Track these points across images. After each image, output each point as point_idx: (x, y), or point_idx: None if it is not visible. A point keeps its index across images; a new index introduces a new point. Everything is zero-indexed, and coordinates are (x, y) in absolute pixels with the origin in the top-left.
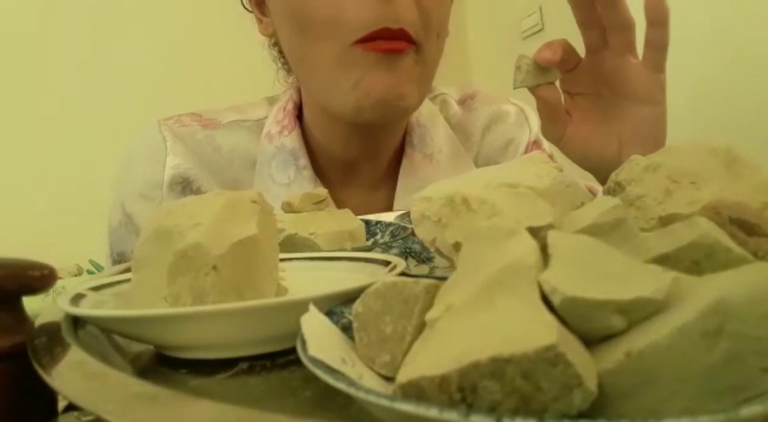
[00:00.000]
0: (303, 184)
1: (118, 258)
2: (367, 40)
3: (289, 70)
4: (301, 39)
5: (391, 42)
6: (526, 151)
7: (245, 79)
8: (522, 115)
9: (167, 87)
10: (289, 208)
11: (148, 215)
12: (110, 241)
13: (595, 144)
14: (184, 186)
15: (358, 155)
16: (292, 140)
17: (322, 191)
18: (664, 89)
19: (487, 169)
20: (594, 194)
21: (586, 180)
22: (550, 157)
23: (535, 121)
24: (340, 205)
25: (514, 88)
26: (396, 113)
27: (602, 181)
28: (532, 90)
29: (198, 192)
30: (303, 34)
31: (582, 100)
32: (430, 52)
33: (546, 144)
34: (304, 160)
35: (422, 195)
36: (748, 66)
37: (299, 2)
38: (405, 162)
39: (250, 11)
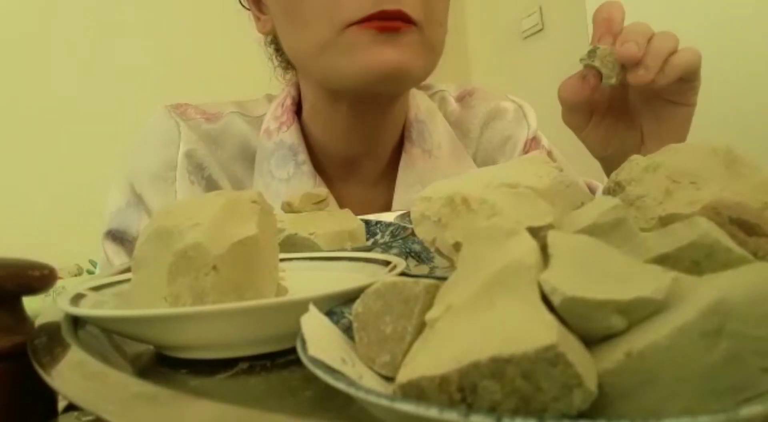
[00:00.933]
0: (302, 179)
1: (119, 235)
2: (361, 21)
3: (286, 68)
4: (296, 26)
5: (386, 21)
6: (524, 148)
7: (245, 79)
8: (520, 112)
9: (167, 87)
10: (289, 207)
11: (159, 196)
12: (109, 221)
13: (617, 135)
14: (198, 172)
15: (358, 150)
16: (290, 135)
17: (322, 191)
18: (698, 92)
19: (487, 168)
20: (593, 190)
21: (585, 177)
22: (549, 153)
23: (533, 118)
24: (339, 201)
25: (612, 86)
26: (399, 84)
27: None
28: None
29: (209, 179)
30: (298, 21)
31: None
32: (434, 36)
33: (545, 140)
34: (303, 155)
35: (422, 195)
36: (749, 66)
37: None
38: (404, 157)
39: (247, 9)
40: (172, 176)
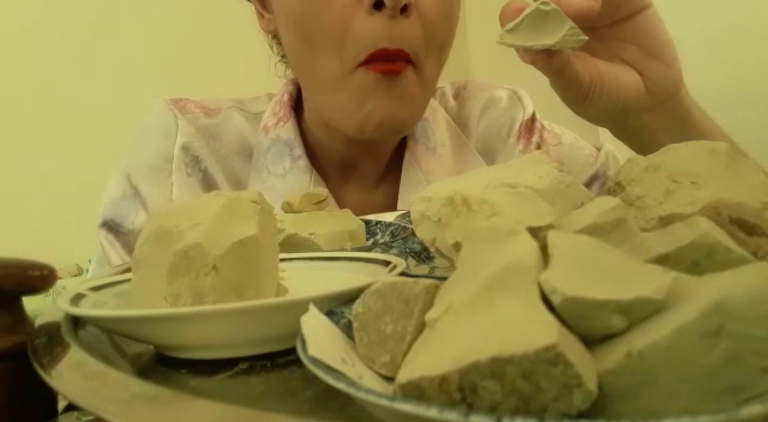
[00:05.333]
0: (299, 174)
1: (114, 226)
2: (368, 61)
3: (287, 64)
4: (306, 50)
5: (389, 64)
6: (520, 129)
7: (245, 75)
8: (515, 98)
9: (168, 86)
10: (289, 208)
11: (155, 187)
12: (104, 211)
13: (619, 83)
14: (194, 164)
15: (358, 151)
16: (287, 130)
17: (323, 191)
18: None
19: (487, 168)
20: (599, 149)
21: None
22: (542, 128)
23: (528, 102)
24: (340, 203)
25: (497, 42)
26: (397, 134)
27: (629, 126)
28: (520, 52)
29: (206, 172)
30: (308, 46)
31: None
32: (430, 70)
33: (538, 117)
34: (299, 150)
35: (422, 195)
36: (749, 67)
37: (307, 14)
38: (408, 155)
39: (249, 0)
40: (168, 168)
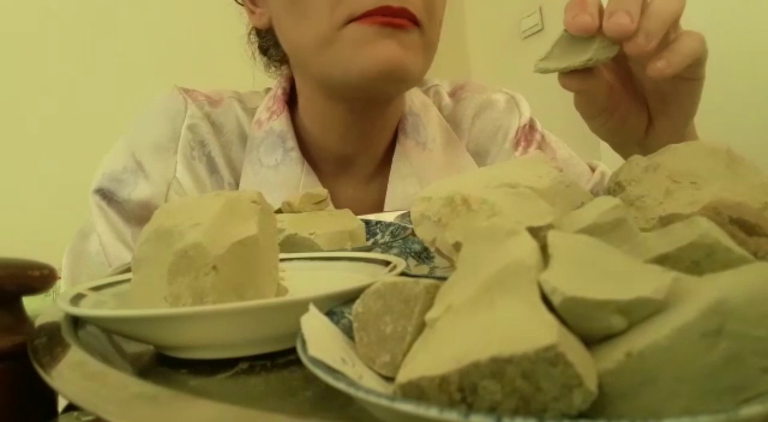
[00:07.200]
0: (291, 165)
1: (107, 194)
2: (362, 17)
3: (279, 62)
4: (298, 20)
5: (393, 17)
6: (516, 136)
7: (245, 79)
8: (512, 102)
9: (167, 86)
10: (289, 207)
11: (159, 162)
12: (99, 180)
13: (628, 122)
14: (200, 147)
15: (352, 147)
16: (280, 123)
17: (323, 191)
18: (704, 64)
19: (487, 168)
20: (594, 169)
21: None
22: (543, 138)
23: (525, 108)
24: (332, 198)
25: (534, 71)
26: (400, 83)
27: (622, 154)
28: (559, 77)
29: (209, 157)
30: (300, 16)
31: (614, 65)
32: (433, 36)
33: (539, 126)
34: (291, 142)
35: (422, 195)
36: (749, 67)
37: None
38: (398, 148)
39: (241, 4)
40: (173, 147)
